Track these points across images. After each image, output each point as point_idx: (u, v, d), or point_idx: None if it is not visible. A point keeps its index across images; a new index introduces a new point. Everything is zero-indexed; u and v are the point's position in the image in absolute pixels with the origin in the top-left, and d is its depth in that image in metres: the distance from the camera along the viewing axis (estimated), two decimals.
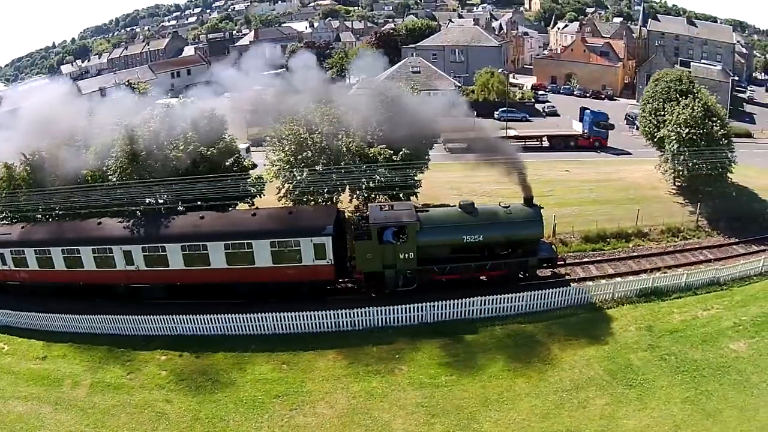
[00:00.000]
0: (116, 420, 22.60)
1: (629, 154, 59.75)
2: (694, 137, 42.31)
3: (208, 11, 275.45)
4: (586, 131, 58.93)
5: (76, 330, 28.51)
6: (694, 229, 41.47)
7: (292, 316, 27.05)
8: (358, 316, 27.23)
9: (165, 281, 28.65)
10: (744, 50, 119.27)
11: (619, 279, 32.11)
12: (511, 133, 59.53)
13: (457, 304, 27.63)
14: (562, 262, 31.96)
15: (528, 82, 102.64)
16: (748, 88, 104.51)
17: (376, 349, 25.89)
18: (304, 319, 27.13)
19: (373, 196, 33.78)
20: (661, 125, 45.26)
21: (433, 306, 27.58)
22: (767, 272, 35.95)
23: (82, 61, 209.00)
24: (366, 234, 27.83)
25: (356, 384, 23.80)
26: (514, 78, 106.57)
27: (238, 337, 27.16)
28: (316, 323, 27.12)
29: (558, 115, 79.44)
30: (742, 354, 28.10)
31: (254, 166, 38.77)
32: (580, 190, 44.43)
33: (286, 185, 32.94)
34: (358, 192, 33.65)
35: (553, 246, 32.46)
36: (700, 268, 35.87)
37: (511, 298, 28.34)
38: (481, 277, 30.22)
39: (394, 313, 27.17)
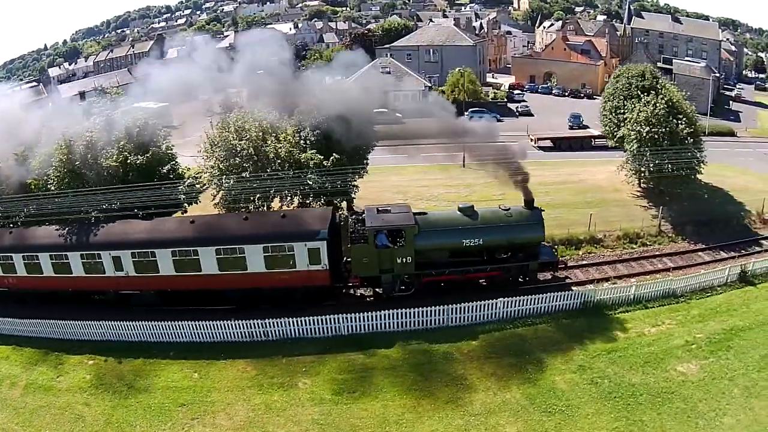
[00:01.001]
0: (41, 420, 23.17)
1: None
2: (656, 136, 39.37)
3: (198, 12, 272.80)
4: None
5: (22, 333, 28.75)
6: (655, 235, 38.34)
7: (205, 325, 26.46)
8: (270, 326, 26.46)
9: (155, 287, 28.04)
10: (733, 48, 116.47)
11: (558, 292, 28.92)
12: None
13: (374, 316, 26.51)
14: (563, 266, 30.58)
15: (509, 81, 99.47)
16: (737, 86, 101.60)
17: (286, 361, 25.09)
18: (217, 329, 26.53)
19: (308, 202, 33.15)
20: (622, 124, 41.96)
21: (347, 318, 26.54)
22: (733, 282, 32.85)
23: (70, 64, 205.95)
24: (362, 238, 26.97)
25: (258, 396, 23.20)
26: (493, 77, 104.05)
27: (160, 344, 26.83)
28: (228, 333, 26.55)
29: (532, 115, 76.83)
30: (691, 378, 25.14)
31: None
32: (534, 193, 40.77)
33: (221, 192, 32.38)
34: (288, 198, 32.91)
35: (554, 249, 31.13)
36: (657, 277, 32.90)
37: (430, 311, 26.76)
38: (480, 281, 29.40)
39: (307, 324, 26.32)
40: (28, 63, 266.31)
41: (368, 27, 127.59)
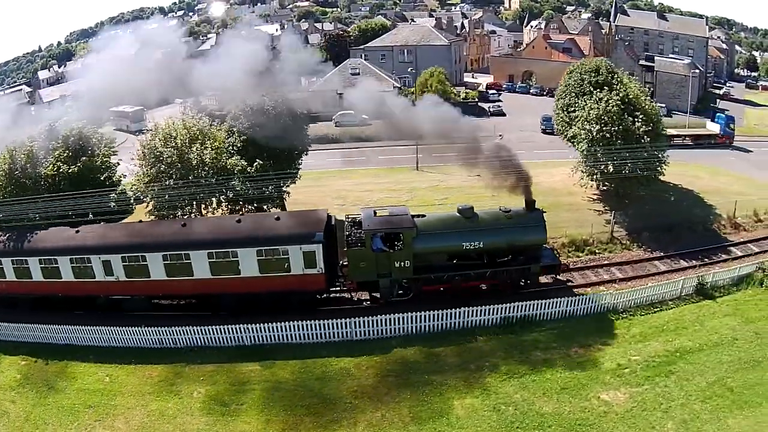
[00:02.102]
0: None
1: None
2: (609, 135, 36.10)
3: (190, 14, 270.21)
4: (720, 132, 60.88)
5: None
6: (606, 242, 34.96)
7: (119, 331, 26.30)
8: (179, 334, 25.96)
9: (146, 292, 27.57)
10: (724, 46, 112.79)
11: (482, 306, 26.53)
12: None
13: (276, 327, 25.73)
14: (566, 269, 29.52)
15: (488, 81, 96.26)
16: (727, 84, 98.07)
17: (188, 369, 24.68)
18: (130, 335, 26.27)
19: (236, 208, 32.78)
20: (573, 122, 38.59)
21: (247, 329, 25.80)
22: (689, 296, 29.53)
23: (59, 66, 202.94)
24: (359, 241, 26.21)
25: (155, 402, 23.10)
26: (473, 77, 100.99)
27: (84, 348, 26.90)
28: (140, 339, 26.25)
29: (504, 115, 73.95)
30: (616, 408, 22.06)
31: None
32: (479, 197, 37.42)
33: (148, 200, 32.19)
34: (214, 206, 32.63)
35: (555, 252, 29.86)
36: (601, 289, 29.83)
37: (329, 324, 25.70)
38: (481, 286, 28.38)
39: (212, 333, 25.76)
40: (22, 65, 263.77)
41: (343, 28, 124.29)
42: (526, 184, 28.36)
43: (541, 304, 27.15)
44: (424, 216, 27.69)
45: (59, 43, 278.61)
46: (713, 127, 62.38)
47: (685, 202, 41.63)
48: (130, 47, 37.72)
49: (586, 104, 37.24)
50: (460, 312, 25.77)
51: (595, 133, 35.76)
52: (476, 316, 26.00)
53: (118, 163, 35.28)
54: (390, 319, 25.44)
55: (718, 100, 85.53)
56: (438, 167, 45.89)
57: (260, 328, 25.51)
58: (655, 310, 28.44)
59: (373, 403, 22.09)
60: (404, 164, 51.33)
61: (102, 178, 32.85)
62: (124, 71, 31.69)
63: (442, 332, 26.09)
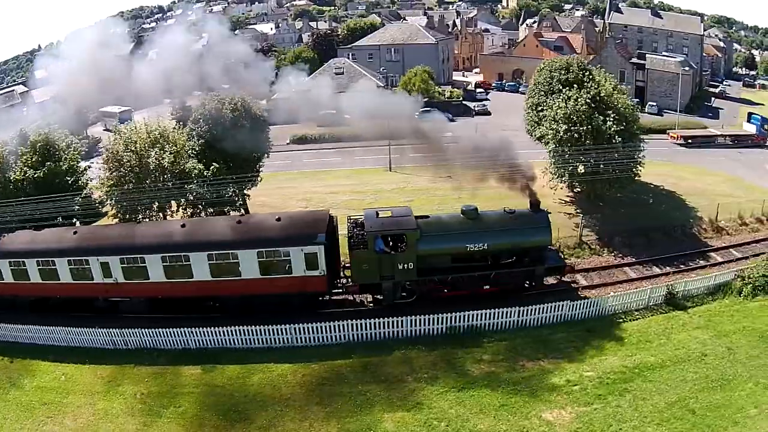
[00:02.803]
0: None
1: None
2: (577, 135, 34.23)
3: (189, 12, 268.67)
4: (756, 132, 61.12)
5: None
6: (573, 247, 33.01)
7: (76, 331, 26.40)
8: (128, 335, 25.98)
9: (145, 294, 27.20)
10: (722, 44, 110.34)
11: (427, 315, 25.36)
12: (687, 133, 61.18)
13: (219, 332, 25.27)
14: (571, 270, 28.90)
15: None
16: (723, 83, 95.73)
17: (135, 370, 24.73)
18: (85, 335, 26.35)
19: (197, 212, 32.72)
20: (542, 122, 37.05)
21: (191, 332, 25.46)
22: (658, 306, 27.61)
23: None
24: (361, 243, 25.77)
25: (102, 402, 23.23)
26: (464, 76, 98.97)
27: (46, 347, 26.99)
28: (93, 339, 26.29)
29: (489, 114, 72.01)
30: (558, 429, 20.40)
31: None
32: (446, 200, 35.81)
33: (110, 204, 32.66)
34: (175, 208, 32.96)
35: (560, 254, 29.52)
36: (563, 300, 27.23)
37: (269, 330, 25.21)
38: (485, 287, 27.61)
39: (159, 336, 25.67)
40: (22, 64, 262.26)
41: (332, 27, 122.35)
42: (530, 184, 28.03)
43: (490, 314, 25.51)
44: (427, 217, 27.22)
45: (59, 42, 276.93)
46: (749, 128, 62.75)
47: (664, 204, 39.66)
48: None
49: (555, 103, 35.62)
50: (403, 320, 24.84)
51: (562, 133, 34.26)
52: (421, 325, 24.99)
53: (88, 167, 35.19)
54: (330, 327, 24.84)
55: (713, 99, 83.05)
56: (411, 168, 44.80)
57: (202, 332, 25.13)
58: (618, 321, 26.48)
59: (302, 413, 21.42)
60: (379, 165, 50.03)
61: (70, 182, 32.94)
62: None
63: (385, 340, 25.10)
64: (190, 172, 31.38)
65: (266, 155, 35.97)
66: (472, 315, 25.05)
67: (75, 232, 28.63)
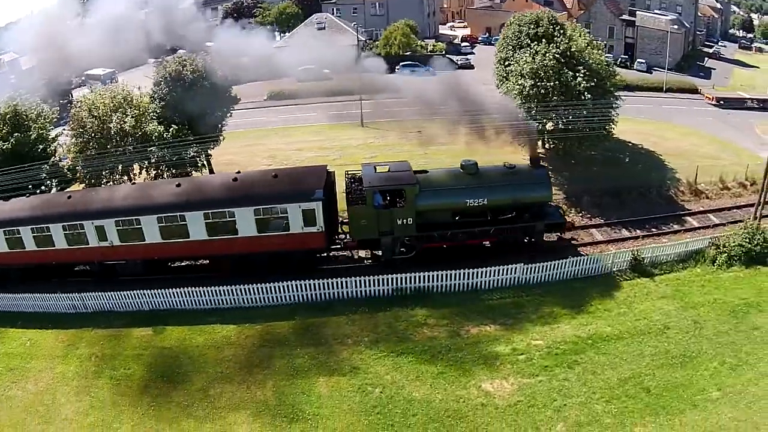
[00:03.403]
0: None
1: None
2: (544, 91, 32.22)
3: None
4: None
5: None
6: None
7: (39, 297, 26.36)
8: (87, 299, 25.85)
9: (142, 256, 26.84)
10: (719, 5, 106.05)
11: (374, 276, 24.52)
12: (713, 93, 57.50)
13: (168, 293, 25.19)
14: (571, 227, 28.51)
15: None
16: (719, 44, 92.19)
17: (93, 333, 24.55)
18: (45, 300, 26.34)
19: (159, 173, 32.84)
20: (509, 76, 34.98)
21: (145, 294, 25.37)
22: (622, 272, 25.79)
23: None
24: (360, 198, 25.41)
25: (61, 366, 23.21)
26: (452, 29, 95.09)
27: (15, 314, 26.82)
28: (54, 304, 26.26)
29: (472, 68, 69.53)
30: (497, 400, 18.98)
31: None
32: (411, 155, 34.12)
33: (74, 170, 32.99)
34: (138, 171, 33.02)
35: (560, 210, 28.67)
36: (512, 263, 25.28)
37: (218, 291, 24.88)
38: (485, 243, 27.55)
39: (114, 299, 25.56)
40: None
41: None
42: (531, 139, 27.73)
43: (437, 276, 24.03)
44: (426, 172, 26.79)
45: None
46: None
47: (641, 164, 37.27)
48: None
49: (522, 57, 33.67)
50: (348, 281, 24.27)
51: (528, 89, 32.20)
52: (368, 286, 24.27)
53: (62, 133, 34.69)
54: (276, 287, 24.42)
55: (706, 59, 79.88)
56: (384, 123, 43.12)
57: (153, 293, 25.06)
58: (577, 287, 24.38)
59: (242, 375, 21.13)
60: (355, 120, 47.37)
61: (39, 151, 32.70)
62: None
63: (331, 301, 24.38)
64: (151, 135, 31.29)
65: (229, 114, 35.48)
66: (420, 276, 24.02)
67: (69, 197, 28.07)
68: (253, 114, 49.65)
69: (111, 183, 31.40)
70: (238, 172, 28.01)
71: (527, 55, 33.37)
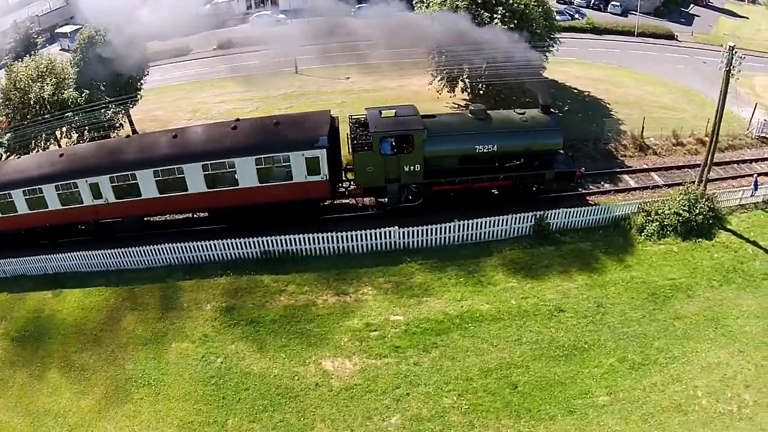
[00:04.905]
0: None
1: None
2: None
3: None
4: None
5: None
6: None
7: None
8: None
9: (139, 212, 26.10)
10: None
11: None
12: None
13: (60, 257, 24.78)
14: (581, 175, 26.95)
15: None
16: None
17: (6, 296, 23.81)
18: None
19: (82, 138, 32.22)
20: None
21: (39, 259, 25.04)
22: (523, 239, 22.88)
23: None
24: (365, 144, 24.38)
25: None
26: None
27: None
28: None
29: None
30: (333, 381, 17.29)
31: None
32: (327, 104, 31.76)
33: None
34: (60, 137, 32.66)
35: (571, 158, 27.42)
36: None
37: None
38: (493, 190, 26.33)
39: (26, 264, 25.33)
40: None
41: None
42: (542, 82, 26.81)
43: (305, 239, 22.43)
44: (434, 117, 25.60)
45: None
46: None
47: (581, 113, 33.55)
48: None
49: None
50: (216, 244, 23.31)
51: None
52: (236, 249, 23.18)
53: None
54: (151, 250, 23.77)
55: (691, 5, 74.70)
56: (321, 69, 40.56)
57: (52, 258, 24.72)
58: (465, 255, 20.99)
59: (111, 336, 20.50)
60: (289, 67, 43.66)
61: None
62: None
63: (202, 264, 23.18)
64: (67, 101, 30.92)
65: (145, 73, 34.30)
66: (287, 239, 22.67)
67: (61, 155, 26.96)
68: (194, 65, 46.55)
69: (38, 151, 31.23)
70: (237, 120, 26.72)
71: None
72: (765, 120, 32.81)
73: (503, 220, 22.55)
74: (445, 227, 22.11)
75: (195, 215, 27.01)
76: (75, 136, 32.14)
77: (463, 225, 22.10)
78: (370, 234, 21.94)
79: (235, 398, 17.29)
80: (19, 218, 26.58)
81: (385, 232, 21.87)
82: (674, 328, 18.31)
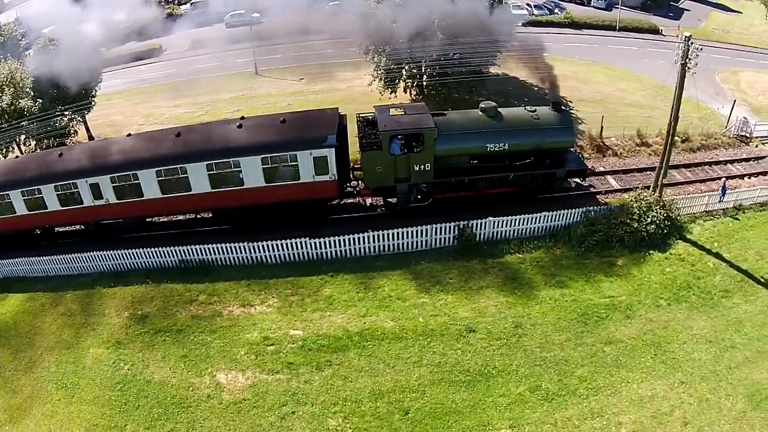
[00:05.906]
0: None
1: None
2: None
3: None
4: None
5: None
6: None
7: None
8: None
9: (140, 213, 25.73)
10: None
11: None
12: None
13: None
14: (592, 173, 26.88)
15: None
16: None
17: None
18: None
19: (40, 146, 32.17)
20: None
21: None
22: (446, 252, 22.03)
23: None
24: (375, 144, 23.79)
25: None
26: None
27: None
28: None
29: None
30: (225, 395, 17.34)
31: None
32: (274, 107, 31.88)
33: None
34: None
35: (581, 157, 27.57)
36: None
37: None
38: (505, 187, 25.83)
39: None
40: None
41: None
42: (553, 80, 26.50)
43: (218, 248, 22.45)
44: (444, 114, 25.16)
45: None
46: None
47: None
48: None
49: None
50: (137, 252, 23.44)
51: None
52: (156, 258, 23.27)
53: None
54: (79, 257, 23.87)
55: None
56: (280, 70, 40.08)
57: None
58: (376, 266, 20.10)
59: (41, 339, 20.87)
60: (249, 68, 43.13)
61: None
62: None
63: (128, 272, 23.28)
64: (23, 110, 30.93)
65: (99, 80, 34.51)
66: (204, 249, 22.67)
67: (60, 155, 26.36)
68: (158, 69, 45.55)
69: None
70: (243, 118, 26.04)
71: None
72: (745, 118, 31.67)
73: (424, 231, 22.03)
74: (360, 238, 21.73)
75: (198, 216, 26.73)
76: (33, 143, 32.06)
77: (380, 236, 21.28)
78: (285, 244, 21.68)
79: (135, 405, 17.53)
80: (17, 219, 26.13)
81: (296, 243, 21.61)
82: (603, 354, 17.01)
